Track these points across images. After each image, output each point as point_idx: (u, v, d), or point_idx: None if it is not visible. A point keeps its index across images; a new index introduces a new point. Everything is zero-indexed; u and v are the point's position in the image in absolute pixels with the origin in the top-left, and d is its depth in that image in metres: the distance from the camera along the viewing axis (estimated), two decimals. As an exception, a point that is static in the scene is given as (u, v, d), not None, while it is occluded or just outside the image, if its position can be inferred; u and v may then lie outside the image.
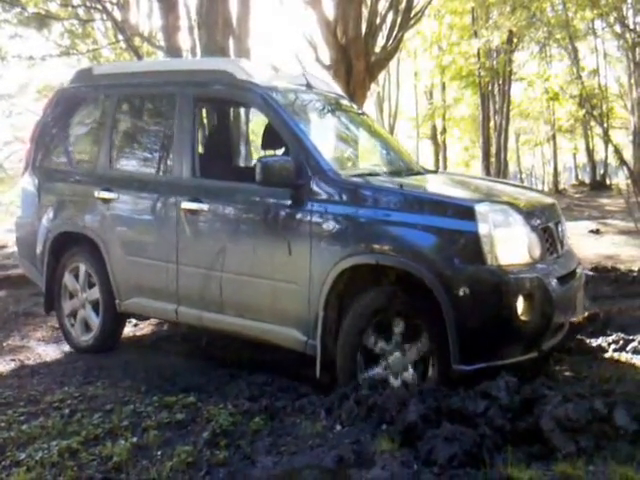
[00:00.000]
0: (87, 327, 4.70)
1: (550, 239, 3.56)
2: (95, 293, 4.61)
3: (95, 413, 3.35)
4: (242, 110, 5.62)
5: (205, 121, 5.27)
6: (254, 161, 4.91)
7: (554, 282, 3.32)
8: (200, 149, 4.51)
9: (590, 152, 23.56)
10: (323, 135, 4.37)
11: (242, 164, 5.27)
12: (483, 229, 3.16)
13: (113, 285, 4.44)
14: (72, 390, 3.76)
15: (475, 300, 3.13)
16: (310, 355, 3.59)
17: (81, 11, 13.82)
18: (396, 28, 10.54)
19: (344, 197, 3.53)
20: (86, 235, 4.57)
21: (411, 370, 3.28)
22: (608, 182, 23.43)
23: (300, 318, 3.61)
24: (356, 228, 3.44)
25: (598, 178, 23.43)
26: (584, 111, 16.40)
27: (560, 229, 3.79)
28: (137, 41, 11.82)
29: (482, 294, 3.14)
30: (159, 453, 2.85)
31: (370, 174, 3.98)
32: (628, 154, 21.61)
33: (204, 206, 3.98)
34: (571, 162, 31.27)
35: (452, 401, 2.80)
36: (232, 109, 5.68)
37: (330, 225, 3.49)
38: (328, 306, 3.49)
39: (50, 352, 4.87)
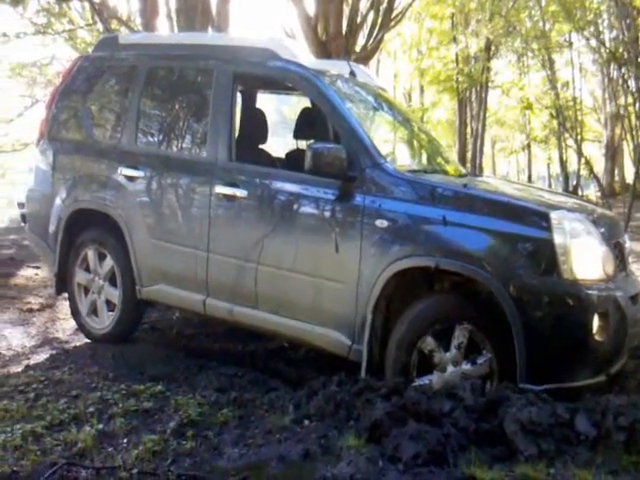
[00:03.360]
0: (101, 315, 4.41)
1: (620, 256, 3.35)
2: (114, 282, 4.31)
3: (61, 398, 3.31)
4: (285, 92, 5.21)
5: (244, 101, 4.88)
6: (292, 148, 4.67)
7: (628, 302, 3.09)
8: (237, 131, 4.16)
9: (563, 163, 23.96)
10: (372, 126, 4.15)
11: (282, 150, 5.00)
12: (559, 238, 2.93)
13: (134, 270, 4.15)
14: (38, 374, 3.70)
15: (548, 316, 2.90)
16: (353, 360, 3.34)
17: (58, -11, 13.54)
18: (377, 28, 10.63)
19: (402, 193, 3.27)
20: (107, 214, 4.26)
21: (468, 385, 2.97)
22: (580, 193, 23.88)
23: (345, 320, 3.34)
24: (414, 227, 3.18)
25: (570, 189, 23.85)
26: (557, 122, 16.69)
27: (626, 246, 3.56)
28: (115, 24, 11.65)
29: (557, 309, 2.90)
30: (125, 441, 2.83)
31: (425, 171, 3.76)
32: (600, 167, 22.08)
33: (241, 192, 3.71)
34: (545, 172, 31.78)
35: (418, 400, 2.84)
36: (274, 91, 5.36)
37: (385, 222, 3.22)
38: (377, 309, 3.24)
39: (17, 335, 4.78)
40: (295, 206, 3.57)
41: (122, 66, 4.59)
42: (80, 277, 4.48)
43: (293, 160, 4.33)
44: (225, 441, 2.87)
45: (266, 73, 4.07)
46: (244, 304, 3.73)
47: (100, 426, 2.95)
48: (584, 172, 20.05)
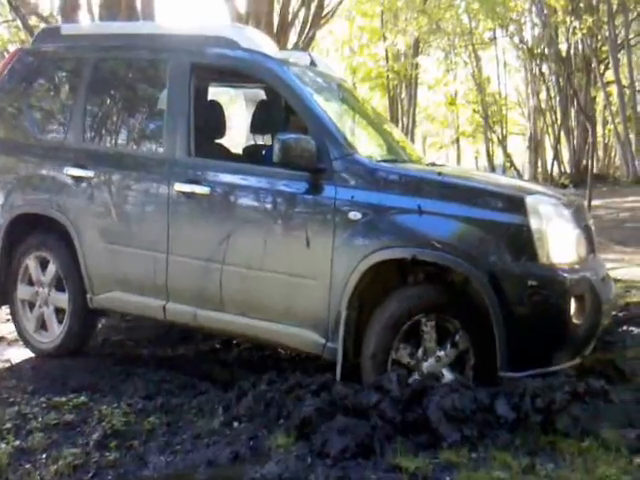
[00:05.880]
0: (50, 327, 4.11)
1: (589, 238, 3.39)
2: (60, 286, 4.03)
3: (-26, 416, 3.14)
4: (245, 84, 4.96)
5: (202, 94, 4.57)
6: (251, 143, 4.53)
7: (600, 284, 3.14)
8: (196, 125, 3.96)
9: (490, 156, 24.75)
10: (338, 117, 4.01)
11: (244, 144, 4.80)
12: (535, 223, 2.93)
13: (85, 277, 3.89)
14: (-51, 392, 3.51)
15: (528, 301, 2.89)
16: (328, 359, 3.25)
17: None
18: (308, 25, 10.68)
19: (375, 183, 3.19)
20: (53, 218, 3.97)
21: (447, 374, 3.01)
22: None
23: (318, 318, 3.24)
24: (389, 218, 3.11)
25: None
26: (479, 116, 17.23)
27: (592, 229, 3.59)
28: (34, 20, 11.25)
29: (536, 295, 2.90)
30: (44, 456, 2.71)
31: (395, 160, 3.72)
32: (525, 159, 22.95)
33: (203, 189, 3.54)
34: (474, 165, 32.77)
35: (346, 394, 2.85)
36: (233, 82, 5.05)
37: (358, 214, 3.13)
38: (351, 305, 3.15)
39: None
40: (261, 201, 3.47)
41: (66, 58, 4.35)
42: (23, 292, 4.18)
43: (254, 154, 4.24)
44: (151, 450, 2.79)
45: (227, 64, 3.89)
46: (209, 307, 3.57)
47: (17, 442, 2.81)
48: (508, 164, 20.76)
